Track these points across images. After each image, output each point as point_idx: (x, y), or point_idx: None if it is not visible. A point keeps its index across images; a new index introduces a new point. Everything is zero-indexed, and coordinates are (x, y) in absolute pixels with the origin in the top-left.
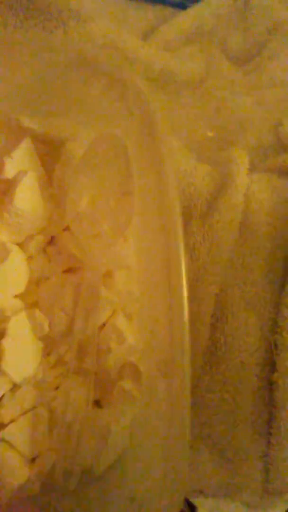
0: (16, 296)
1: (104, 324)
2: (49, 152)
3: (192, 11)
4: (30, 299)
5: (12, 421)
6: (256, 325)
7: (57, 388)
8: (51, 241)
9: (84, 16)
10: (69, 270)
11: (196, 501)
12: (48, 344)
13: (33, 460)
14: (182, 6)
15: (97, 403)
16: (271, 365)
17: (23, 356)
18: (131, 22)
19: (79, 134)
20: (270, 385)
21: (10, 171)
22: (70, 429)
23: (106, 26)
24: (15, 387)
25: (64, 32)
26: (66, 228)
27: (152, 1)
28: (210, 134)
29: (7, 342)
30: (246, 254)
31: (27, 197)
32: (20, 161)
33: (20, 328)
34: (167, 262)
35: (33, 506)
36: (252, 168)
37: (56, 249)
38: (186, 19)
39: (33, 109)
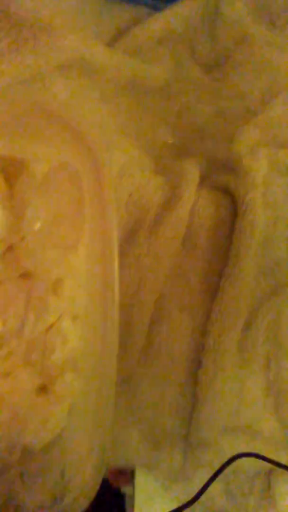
0: None
1: (51, 326)
2: (12, 165)
3: (164, 14)
4: None
5: None
6: (188, 328)
7: (7, 376)
8: (9, 248)
9: (55, 30)
10: (24, 275)
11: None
12: (1, 339)
13: None
14: (156, 8)
15: (44, 390)
16: (198, 363)
17: None
18: (105, 22)
19: (42, 157)
20: (195, 381)
21: None
22: (15, 411)
23: (76, 39)
24: None
25: (34, 46)
26: (23, 238)
27: (127, 1)
28: (170, 140)
29: None
30: (186, 264)
31: None
32: None
33: None
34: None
35: None
36: (205, 180)
37: (13, 256)
38: (158, 21)
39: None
